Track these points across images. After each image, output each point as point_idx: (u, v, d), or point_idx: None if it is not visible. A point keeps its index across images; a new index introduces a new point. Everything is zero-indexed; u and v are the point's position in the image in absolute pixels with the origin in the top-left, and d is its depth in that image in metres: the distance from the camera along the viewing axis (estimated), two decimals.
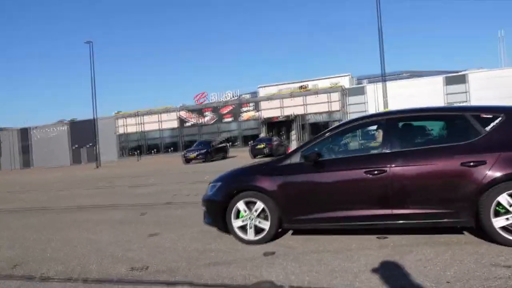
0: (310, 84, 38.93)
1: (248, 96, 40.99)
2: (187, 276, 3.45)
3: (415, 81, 36.84)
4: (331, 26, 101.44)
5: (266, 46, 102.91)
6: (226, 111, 39.85)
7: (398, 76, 56.95)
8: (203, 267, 3.64)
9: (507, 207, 3.40)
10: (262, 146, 25.38)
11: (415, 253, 3.54)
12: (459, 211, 3.56)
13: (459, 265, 3.16)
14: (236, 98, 39.73)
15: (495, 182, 3.41)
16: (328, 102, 36.60)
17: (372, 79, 43.88)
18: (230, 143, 33.42)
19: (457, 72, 38.53)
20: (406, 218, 3.73)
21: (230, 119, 39.86)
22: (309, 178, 4.09)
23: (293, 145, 32.41)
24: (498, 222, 3.42)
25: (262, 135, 36.78)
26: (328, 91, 36.74)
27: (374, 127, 4.52)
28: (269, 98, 37.98)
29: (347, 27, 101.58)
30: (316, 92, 36.76)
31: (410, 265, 3.26)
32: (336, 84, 39.54)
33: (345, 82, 40.32)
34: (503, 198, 3.40)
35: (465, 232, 4.00)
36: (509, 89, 32.66)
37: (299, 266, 3.47)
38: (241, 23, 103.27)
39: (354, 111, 37.84)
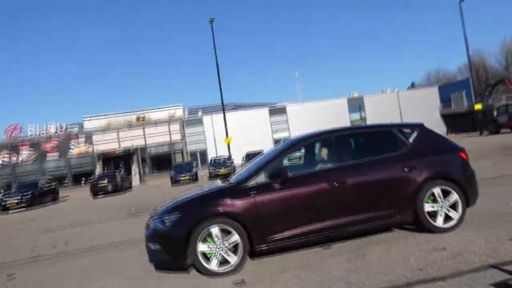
0: (145, 115, 37.81)
1: (76, 128, 36.60)
2: None
3: (246, 112, 40.75)
4: (159, 56, 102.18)
5: (88, 74, 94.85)
6: (50, 147, 34.50)
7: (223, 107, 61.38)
8: None
9: (436, 197, 4.37)
10: (105, 182, 23.03)
11: (370, 254, 4.05)
12: (403, 209, 4.33)
13: (414, 255, 3.82)
14: (61, 131, 34.92)
15: (424, 181, 4.33)
16: (168, 133, 36.40)
17: (205, 110, 46.25)
18: (57, 183, 28.86)
19: (274, 104, 44.67)
20: (364, 222, 4.26)
21: (55, 156, 34.61)
22: (280, 196, 4.14)
23: (136, 179, 30.60)
24: (426, 209, 4.35)
25: (98, 171, 33.38)
26: (167, 122, 36.60)
27: (319, 144, 4.88)
28: (105, 130, 35.02)
29: (174, 57, 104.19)
30: (155, 123, 36.11)
31: (377, 262, 3.73)
32: (174, 115, 39.85)
33: (179, 113, 40.97)
34: (430, 193, 4.37)
35: (394, 229, 4.79)
36: (319, 117, 39.98)
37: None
38: (56, 50, 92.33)
39: (193, 141, 38.89)
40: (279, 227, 4.11)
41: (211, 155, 38.66)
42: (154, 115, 37.67)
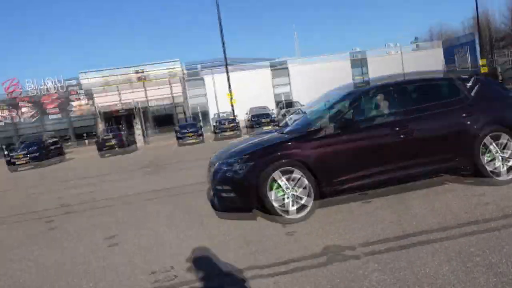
0: (143, 71, 36.88)
1: (74, 83, 35.56)
2: None
3: (248, 72, 40.08)
4: (156, 12, 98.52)
5: (83, 28, 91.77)
6: (50, 102, 33.95)
7: (221, 63, 60.27)
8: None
9: (495, 145, 4.59)
10: (111, 139, 22.93)
11: (413, 206, 4.26)
12: (462, 154, 4.60)
13: (459, 203, 4.04)
14: (61, 86, 34.04)
15: (483, 127, 4.56)
16: (170, 91, 35.97)
17: (204, 65, 45.31)
18: (60, 139, 28.66)
19: (273, 59, 43.89)
20: (425, 165, 4.54)
21: (57, 113, 34.23)
22: (345, 142, 4.47)
23: (140, 139, 30.53)
24: (484, 159, 4.58)
25: (101, 128, 33.28)
26: (168, 80, 36.01)
27: (382, 94, 4.97)
28: (105, 85, 34.43)
29: (168, 11, 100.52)
30: (157, 80, 35.56)
31: (423, 212, 3.93)
32: (174, 72, 39.02)
33: (177, 68, 39.99)
34: (487, 140, 4.57)
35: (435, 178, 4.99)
36: (322, 76, 39.62)
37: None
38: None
39: (195, 100, 38.58)
40: (343, 170, 4.40)
41: (212, 112, 38.49)
42: (153, 71, 36.92)
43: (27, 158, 21.01)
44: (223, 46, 30.71)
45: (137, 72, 35.82)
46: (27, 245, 4.83)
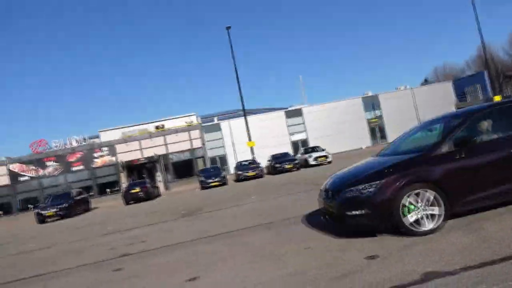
0: (163, 125, 38.22)
1: (97, 140, 37.23)
2: None
3: (263, 115, 41.11)
4: (168, 68, 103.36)
5: (97, 89, 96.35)
6: (75, 159, 35.20)
7: (235, 113, 62.27)
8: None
9: None
10: (137, 189, 23.56)
11: (485, 228, 4.40)
12: None
13: None
14: (85, 143, 35.66)
15: None
16: (189, 140, 36.91)
17: (219, 117, 46.87)
18: (88, 194, 29.40)
19: (284, 108, 44.98)
20: None
21: (80, 167, 35.28)
22: (467, 162, 4.67)
23: (161, 186, 31.12)
24: None
25: (123, 180, 33.98)
26: (188, 129, 37.14)
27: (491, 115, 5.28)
28: (127, 140, 35.62)
29: (181, 70, 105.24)
30: (176, 130, 36.66)
31: (495, 234, 4.08)
32: (191, 122, 40.41)
33: (194, 120, 41.31)
34: None
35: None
36: (336, 117, 40.36)
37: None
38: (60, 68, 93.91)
39: (212, 147, 39.37)
40: (469, 190, 4.62)
41: (230, 160, 39.16)
42: (171, 124, 38.21)
43: (57, 212, 21.51)
44: (240, 94, 31.80)
45: (157, 127, 37.14)
46: None
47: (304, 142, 40.74)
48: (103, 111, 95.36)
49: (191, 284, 4.37)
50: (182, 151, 36.47)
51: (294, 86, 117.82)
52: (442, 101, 42.25)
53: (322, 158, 24.77)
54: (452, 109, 42.44)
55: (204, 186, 23.39)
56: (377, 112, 42.37)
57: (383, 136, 41.98)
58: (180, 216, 11.59)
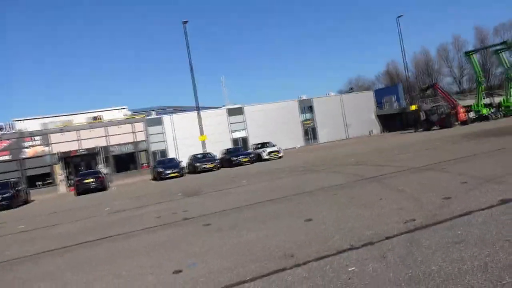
0: (100, 116, 36.69)
1: (28, 128, 34.07)
2: None
3: (206, 112, 41.83)
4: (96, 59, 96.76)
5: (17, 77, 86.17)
6: (1, 148, 31.93)
7: (164, 110, 61.92)
8: None
9: None
10: (90, 180, 22.73)
11: None
12: None
13: None
14: (13, 131, 32.57)
15: None
16: (132, 132, 36.04)
17: (148, 112, 46.36)
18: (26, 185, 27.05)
19: (208, 107, 46.52)
20: None
21: (7, 157, 32.09)
22: None
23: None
24: None
25: (58, 172, 31.85)
26: (131, 121, 36.27)
27: None
28: (63, 129, 33.44)
29: (110, 61, 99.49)
30: (119, 122, 35.53)
31: None
32: (131, 115, 39.57)
33: (122, 114, 40.35)
34: None
35: None
36: (274, 117, 42.88)
37: None
38: None
39: (155, 141, 38.96)
40: None
41: (171, 155, 39.09)
42: (107, 115, 36.91)
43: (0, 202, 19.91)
44: (195, 92, 32.28)
45: (94, 118, 35.58)
46: None
47: (245, 139, 42.55)
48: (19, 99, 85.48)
49: (310, 223, 5.69)
50: (125, 144, 35.43)
51: (213, 86, 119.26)
52: (365, 107, 47.68)
53: (275, 153, 26.73)
54: (373, 115, 48.22)
55: (162, 177, 23.53)
56: (311, 115, 46.08)
57: (315, 137, 45.83)
58: (185, 196, 12.34)
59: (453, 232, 4.14)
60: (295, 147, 42.80)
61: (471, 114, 34.54)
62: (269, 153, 26.67)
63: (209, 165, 24.79)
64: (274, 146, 28.71)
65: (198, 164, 25.02)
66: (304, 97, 47.19)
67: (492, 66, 59.62)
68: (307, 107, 46.32)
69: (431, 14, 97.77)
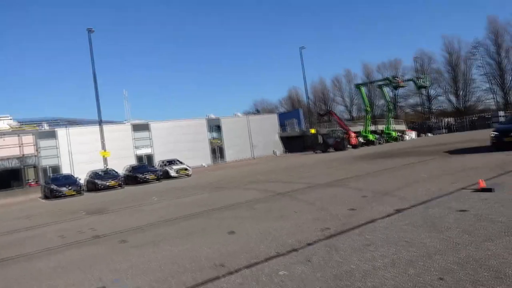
0: None
1: None
2: None
3: (108, 127, 39.36)
4: None
5: None
6: None
7: (57, 122, 57.17)
8: None
9: None
10: None
11: None
12: None
13: None
14: None
15: None
16: (19, 145, 31.91)
17: (39, 123, 42.30)
18: None
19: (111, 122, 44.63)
20: None
21: None
22: None
23: None
24: None
25: None
26: (19, 133, 32.15)
27: None
28: None
29: None
30: (3, 134, 31.19)
31: None
32: (17, 126, 35.21)
33: (6, 124, 36.13)
34: None
35: None
36: (182, 135, 42.34)
37: None
38: None
39: (47, 156, 35.14)
40: None
41: (65, 171, 35.66)
42: None
43: None
44: (98, 104, 30.17)
45: None
46: None
47: (150, 156, 41.02)
48: None
49: (234, 235, 5.84)
50: (8, 158, 31.14)
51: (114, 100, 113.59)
52: (269, 129, 50.21)
53: (183, 171, 26.31)
54: (277, 136, 50.94)
55: (56, 196, 21.26)
56: (219, 134, 46.69)
57: (222, 156, 46.44)
58: (89, 214, 11.40)
59: (362, 237, 4.73)
60: (202, 165, 42.72)
61: (360, 139, 38.92)
62: (178, 170, 26.17)
63: (112, 183, 23.22)
64: (182, 163, 28.27)
65: (99, 181, 23.24)
66: (212, 116, 47.75)
67: (375, 98, 68.53)
68: (215, 126, 46.89)
69: (326, 46, 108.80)
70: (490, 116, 52.64)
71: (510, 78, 60.08)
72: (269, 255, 4.43)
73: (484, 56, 62.08)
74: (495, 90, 62.34)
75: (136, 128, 41.46)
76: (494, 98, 63.19)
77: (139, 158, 40.29)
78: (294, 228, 5.72)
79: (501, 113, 50.17)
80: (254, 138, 48.48)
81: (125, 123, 42.51)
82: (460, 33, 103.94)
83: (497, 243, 3.86)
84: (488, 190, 6.43)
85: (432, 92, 67.85)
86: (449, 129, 56.76)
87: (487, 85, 63.11)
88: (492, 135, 14.30)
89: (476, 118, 55.59)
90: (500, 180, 7.54)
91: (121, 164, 30.75)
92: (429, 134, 53.22)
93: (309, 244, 4.69)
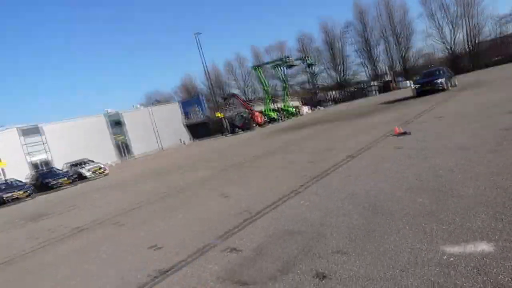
0: None
1: None
2: None
3: None
4: None
5: None
6: None
7: None
8: None
9: None
10: None
11: None
12: None
13: None
14: None
15: None
16: None
17: None
18: None
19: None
20: None
21: None
22: None
23: None
24: None
25: None
26: None
27: None
28: None
29: None
30: None
31: None
32: None
33: None
34: None
35: None
36: (81, 135, 39.43)
37: None
38: None
39: None
40: None
41: None
42: None
43: None
44: None
45: None
46: None
47: (48, 162, 37.37)
48: None
49: (227, 198, 6.80)
50: None
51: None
52: (173, 118, 49.76)
53: (100, 170, 25.01)
54: (181, 125, 50.83)
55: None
56: (121, 129, 44.62)
57: (129, 151, 44.67)
58: (30, 220, 10.81)
59: (340, 174, 6.23)
60: (108, 164, 40.53)
61: (265, 118, 41.66)
62: (93, 171, 24.81)
63: (20, 193, 21.07)
64: (93, 162, 26.83)
65: (3, 194, 20.88)
66: (112, 111, 45.31)
67: (268, 78, 72.69)
68: (115, 122, 44.66)
69: (216, 32, 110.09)
70: (366, 86, 60.93)
71: (376, 52, 70.01)
72: (281, 199, 5.61)
73: (354, 36, 70.81)
74: (366, 63, 71.98)
75: (26, 132, 37.13)
76: (365, 71, 72.95)
77: (35, 166, 36.39)
78: (282, 182, 6.97)
79: (374, 83, 58.44)
80: (159, 128, 47.65)
81: (9, 129, 37.50)
82: (333, 15, 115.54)
83: (431, 161, 5.71)
84: (404, 133, 8.58)
85: (316, 69, 74.94)
86: (335, 101, 63.97)
87: (359, 60, 72.41)
88: (416, 86, 19.12)
89: (355, 89, 63.74)
90: (407, 128, 9.91)
91: (15, 175, 27.51)
92: (320, 108, 59.25)
93: (302, 186, 6.01)
